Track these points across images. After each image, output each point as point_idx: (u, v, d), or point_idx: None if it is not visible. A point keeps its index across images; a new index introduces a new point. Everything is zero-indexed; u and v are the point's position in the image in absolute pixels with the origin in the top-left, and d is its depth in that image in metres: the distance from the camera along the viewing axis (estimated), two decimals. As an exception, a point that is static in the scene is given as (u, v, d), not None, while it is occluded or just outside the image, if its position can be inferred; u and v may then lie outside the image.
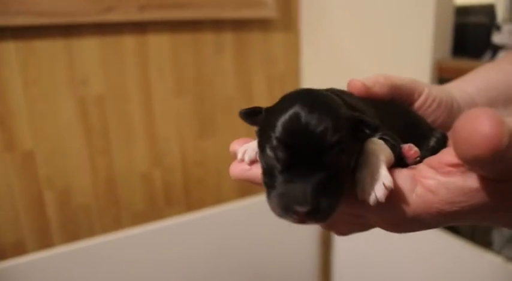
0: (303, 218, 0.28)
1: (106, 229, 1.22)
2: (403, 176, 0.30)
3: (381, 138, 0.33)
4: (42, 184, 1.14)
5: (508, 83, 0.45)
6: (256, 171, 0.33)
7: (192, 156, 1.33)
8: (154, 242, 1.17)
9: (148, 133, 1.25)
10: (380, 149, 0.31)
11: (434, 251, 1.04)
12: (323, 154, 0.28)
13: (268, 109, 0.33)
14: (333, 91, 0.36)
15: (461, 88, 0.45)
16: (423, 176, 0.30)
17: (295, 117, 0.29)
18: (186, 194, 1.34)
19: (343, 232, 0.40)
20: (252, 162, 0.35)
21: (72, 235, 1.19)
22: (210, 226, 1.24)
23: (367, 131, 0.31)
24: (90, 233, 1.21)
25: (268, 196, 0.30)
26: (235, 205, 1.27)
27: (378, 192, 0.29)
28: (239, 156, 0.35)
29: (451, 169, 0.28)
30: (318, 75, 1.40)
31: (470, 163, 0.26)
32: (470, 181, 0.27)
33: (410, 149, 0.34)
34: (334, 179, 0.29)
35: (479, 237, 1.03)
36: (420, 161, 0.33)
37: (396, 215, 0.30)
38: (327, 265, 1.42)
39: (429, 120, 0.42)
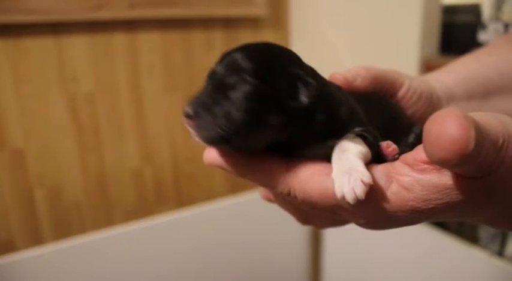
0: (188, 121, 0.30)
1: (97, 227, 1.22)
2: (378, 173, 0.29)
3: (360, 134, 0.32)
4: (32, 181, 1.13)
5: (486, 75, 0.45)
6: (229, 158, 0.33)
7: (182, 153, 1.33)
8: (145, 239, 1.17)
9: (139, 130, 1.25)
10: (356, 146, 0.31)
11: (421, 246, 1.06)
12: (225, 83, 0.30)
13: None
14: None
15: (440, 80, 0.44)
16: (398, 173, 0.29)
17: (222, 56, 0.32)
18: (177, 190, 1.35)
19: (321, 226, 0.40)
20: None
21: (63, 232, 1.19)
22: (201, 222, 1.24)
23: (304, 92, 0.31)
24: (82, 230, 1.21)
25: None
26: (227, 202, 1.27)
27: (357, 189, 0.28)
28: None
29: (425, 166, 0.28)
30: (307, 72, 1.40)
31: (438, 164, 0.26)
32: (445, 178, 0.27)
33: (388, 147, 0.33)
34: (234, 107, 0.30)
35: (466, 233, 1.04)
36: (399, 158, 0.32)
37: (371, 213, 0.29)
38: (317, 262, 1.43)
39: (409, 112, 0.42)
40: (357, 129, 0.32)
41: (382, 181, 0.29)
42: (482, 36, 1.01)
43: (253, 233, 1.31)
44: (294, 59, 0.32)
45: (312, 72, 0.32)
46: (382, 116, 0.38)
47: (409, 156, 0.29)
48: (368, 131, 0.32)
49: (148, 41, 1.21)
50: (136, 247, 1.16)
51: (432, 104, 0.42)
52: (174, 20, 1.22)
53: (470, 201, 0.27)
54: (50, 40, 1.09)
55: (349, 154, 0.30)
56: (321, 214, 0.36)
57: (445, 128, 0.22)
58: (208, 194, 1.38)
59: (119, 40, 1.17)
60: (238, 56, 0.30)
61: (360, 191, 0.28)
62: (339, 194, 0.28)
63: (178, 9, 1.19)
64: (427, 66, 1.04)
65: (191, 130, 0.31)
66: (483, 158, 0.24)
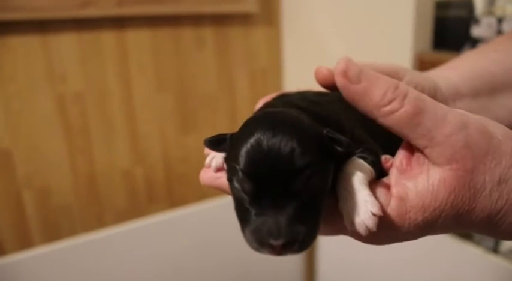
0: (280, 251, 0.27)
1: (88, 228, 1.20)
2: (379, 192, 0.30)
3: (359, 156, 0.32)
4: (20, 183, 1.12)
5: (492, 72, 0.44)
6: (225, 180, 0.32)
7: (174, 152, 1.32)
8: (137, 240, 1.16)
9: (129, 130, 1.24)
10: (360, 172, 0.30)
11: (416, 243, 1.04)
12: (293, 180, 0.27)
13: (232, 136, 0.31)
14: (305, 99, 0.34)
15: (445, 76, 0.44)
16: (392, 184, 0.30)
17: (257, 144, 0.27)
18: (169, 191, 1.34)
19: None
20: (219, 169, 0.34)
21: (53, 235, 1.17)
22: (193, 222, 1.23)
23: (339, 148, 0.29)
24: (72, 233, 1.19)
25: (243, 231, 0.29)
26: (219, 202, 1.26)
27: (368, 222, 0.28)
28: (207, 161, 0.34)
29: (408, 167, 0.29)
30: (300, 69, 1.40)
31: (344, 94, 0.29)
32: (433, 176, 0.28)
33: (387, 161, 0.33)
34: (309, 205, 0.28)
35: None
36: None
37: (374, 233, 0.29)
38: (311, 263, 1.42)
39: None
40: (357, 151, 0.32)
41: (382, 199, 0.29)
42: (475, 31, 1.00)
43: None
44: (309, 118, 0.31)
45: (325, 118, 0.32)
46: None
47: (396, 159, 0.30)
48: (367, 150, 0.32)
49: (138, 39, 1.20)
50: (128, 248, 1.15)
51: (436, 100, 0.41)
52: (163, 17, 1.21)
53: (461, 196, 0.28)
54: (37, 38, 1.08)
55: (354, 183, 0.30)
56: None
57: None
58: (201, 194, 1.38)
59: (108, 38, 1.16)
60: (285, 153, 0.27)
61: (371, 224, 0.28)
62: (349, 227, 0.28)
63: (168, 6, 1.17)
64: (421, 62, 1.04)
65: (280, 255, 0.28)
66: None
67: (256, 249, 0.28)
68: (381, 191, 0.30)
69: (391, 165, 0.32)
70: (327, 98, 0.36)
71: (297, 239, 0.27)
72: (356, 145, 0.32)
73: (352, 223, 0.28)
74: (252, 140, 0.28)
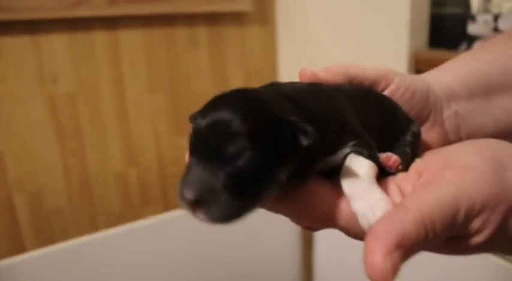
0: (193, 208, 0.27)
1: (81, 232, 1.19)
2: (392, 191, 0.30)
3: (355, 151, 0.31)
4: (11, 187, 1.11)
5: (487, 73, 0.43)
6: None
7: (168, 153, 1.31)
8: (131, 244, 1.15)
9: (123, 131, 1.23)
10: (365, 169, 0.30)
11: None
12: (226, 145, 0.27)
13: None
14: (296, 89, 0.33)
15: (439, 77, 0.43)
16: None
17: (207, 108, 0.29)
18: (164, 192, 1.33)
19: (316, 229, 0.39)
20: None
21: (46, 239, 1.17)
22: (189, 225, 1.16)
23: (305, 139, 0.28)
24: (65, 236, 1.18)
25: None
26: None
27: None
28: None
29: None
30: (295, 68, 1.38)
31: None
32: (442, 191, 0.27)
33: (389, 159, 0.33)
34: (244, 182, 0.27)
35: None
36: (403, 167, 0.33)
37: None
38: (308, 262, 1.42)
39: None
40: (350, 144, 0.31)
41: (395, 198, 0.30)
42: (471, 28, 1.01)
43: (243, 234, 1.30)
44: (283, 103, 0.30)
45: (296, 107, 0.30)
46: (376, 114, 0.36)
47: (404, 182, 0.31)
48: (361, 144, 0.31)
49: (130, 39, 1.19)
50: (121, 251, 1.14)
51: (428, 103, 0.40)
52: (156, 17, 1.20)
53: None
54: (27, 39, 1.07)
55: (363, 182, 0.29)
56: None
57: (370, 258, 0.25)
58: None
59: (100, 38, 1.15)
60: (228, 116, 0.27)
61: None
62: (366, 228, 0.28)
63: (161, 5, 1.17)
64: (417, 60, 1.04)
65: (195, 216, 0.27)
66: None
67: (179, 202, 0.28)
68: (394, 190, 0.30)
69: (395, 163, 0.32)
70: (323, 88, 0.35)
71: (211, 201, 0.26)
72: (349, 137, 0.31)
73: (368, 223, 0.28)
74: (203, 108, 0.29)
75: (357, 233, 0.30)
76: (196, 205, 0.26)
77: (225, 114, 0.27)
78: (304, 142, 0.28)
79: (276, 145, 0.28)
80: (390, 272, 0.24)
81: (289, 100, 0.31)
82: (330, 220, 0.30)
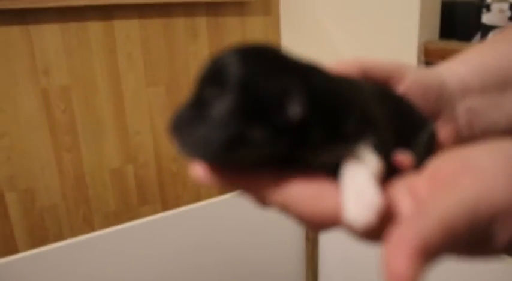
0: (175, 137, 0.29)
1: (75, 231, 1.20)
2: (400, 192, 0.29)
3: (365, 143, 0.30)
4: (2, 185, 1.11)
5: (501, 66, 0.42)
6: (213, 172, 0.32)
7: (167, 150, 1.31)
8: (128, 244, 1.14)
9: (119, 127, 1.23)
10: (365, 161, 0.29)
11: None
12: (208, 88, 0.28)
13: None
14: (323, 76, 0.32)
15: (453, 70, 0.42)
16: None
17: (213, 61, 0.29)
18: (162, 190, 1.33)
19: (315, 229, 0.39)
20: None
21: (39, 239, 1.17)
22: (188, 224, 1.21)
23: (290, 112, 0.27)
24: (59, 236, 1.19)
25: None
26: (216, 201, 1.25)
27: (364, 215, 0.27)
28: None
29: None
30: (298, 61, 1.39)
31: None
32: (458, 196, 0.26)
33: (402, 158, 0.32)
34: (215, 122, 0.27)
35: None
36: (416, 166, 0.31)
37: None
38: (313, 263, 1.42)
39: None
40: (367, 139, 0.30)
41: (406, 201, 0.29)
42: (486, 17, 0.99)
43: (247, 233, 1.30)
44: (285, 64, 0.29)
45: (306, 77, 0.29)
46: (391, 112, 0.35)
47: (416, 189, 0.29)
48: (373, 139, 0.30)
49: (127, 29, 1.18)
50: (118, 252, 1.13)
51: (441, 98, 0.39)
52: (153, 5, 1.19)
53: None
54: (17, 28, 1.06)
55: (357, 173, 0.28)
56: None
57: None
58: (196, 194, 1.37)
59: (94, 28, 1.14)
60: (224, 62, 0.28)
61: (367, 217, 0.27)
62: (346, 220, 0.28)
63: (158, -7, 1.16)
64: (427, 51, 1.03)
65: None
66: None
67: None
68: (402, 190, 0.29)
69: (407, 162, 0.31)
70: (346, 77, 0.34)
71: (184, 133, 0.28)
72: (365, 127, 0.30)
73: (349, 214, 0.27)
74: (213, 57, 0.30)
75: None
76: (173, 134, 0.29)
77: (223, 59, 0.28)
78: (291, 110, 0.27)
79: (260, 103, 0.27)
80: (413, 278, 0.23)
81: (304, 73, 0.29)
82: (336, 219, 0.30)
